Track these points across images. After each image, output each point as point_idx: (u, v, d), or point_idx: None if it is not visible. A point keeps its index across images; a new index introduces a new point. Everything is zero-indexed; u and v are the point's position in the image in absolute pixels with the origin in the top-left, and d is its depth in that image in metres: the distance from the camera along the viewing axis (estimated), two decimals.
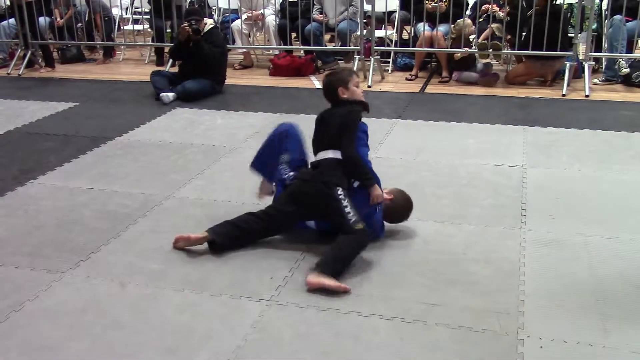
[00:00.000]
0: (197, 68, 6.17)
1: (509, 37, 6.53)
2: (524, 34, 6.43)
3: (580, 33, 6.43)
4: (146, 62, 8.19)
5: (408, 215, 3.29)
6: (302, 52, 7.64)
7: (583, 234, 3.24)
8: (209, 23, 6.31)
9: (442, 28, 6.83)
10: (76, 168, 4.32)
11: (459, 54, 6.67)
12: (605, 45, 6.65)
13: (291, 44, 7.77)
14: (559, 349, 2.37)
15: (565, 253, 3.05)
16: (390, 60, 7.41)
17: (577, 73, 6.49)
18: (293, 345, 2.42)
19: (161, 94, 6.03)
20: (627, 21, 6.48)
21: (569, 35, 6.55)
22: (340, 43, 7.54)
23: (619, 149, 4.52)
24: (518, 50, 6.56)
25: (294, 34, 7.86)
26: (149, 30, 8.35)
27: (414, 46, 7.12)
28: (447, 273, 2.90)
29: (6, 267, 2.99)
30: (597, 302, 2.65)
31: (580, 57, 6.48)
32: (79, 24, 8.16)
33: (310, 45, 7.28)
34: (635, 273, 2.86)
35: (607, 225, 3.34)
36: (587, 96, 6.02)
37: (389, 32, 7.57)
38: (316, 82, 6.89)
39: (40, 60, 7.88)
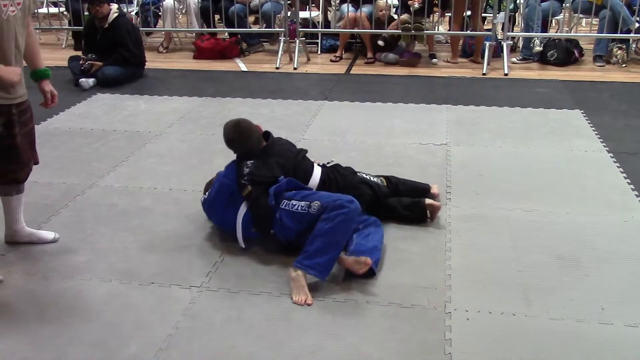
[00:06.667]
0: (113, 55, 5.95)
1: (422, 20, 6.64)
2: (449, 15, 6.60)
3: (498, 13, 6.61)
4: (63, 46, 7.87)
5: None
6: (226, 34, 7.53)
7: (505, 208, 3.36)
8: (113, 10, 5.98)
9: (365, 9, 6.87)
10: None
11: (381, 42, 6.73)
12: (522, 25, 6.87)
13: (215, 26, 7.63)
14: (484, 319, 2.46)
15: (488, 227, 3.16)
16: (319, 41, 7.39)
17: (497, 52, 6.68)
18: (225, 330, 2.41)
19: (80, 80, 5.82)
20: (542, 1, 6.72)
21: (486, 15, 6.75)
22: (264, 25, 7.47)
23: (536, 125, 4.69)
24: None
25: (217, 16, 7.72)
26: (65, 13, 8.02)
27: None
28: None
29: None
30: (519, 273, 2.76)
31: (499, 37, 6.67)
32: None
33: (234, 28, 7.18)
34: (554, 243, 2.99)
35: (527, 199, 3.47)
36: (506, 75, 6.22)
37: (314, 14, 7.55)
38: (241, 65, 6.81)
39: None
